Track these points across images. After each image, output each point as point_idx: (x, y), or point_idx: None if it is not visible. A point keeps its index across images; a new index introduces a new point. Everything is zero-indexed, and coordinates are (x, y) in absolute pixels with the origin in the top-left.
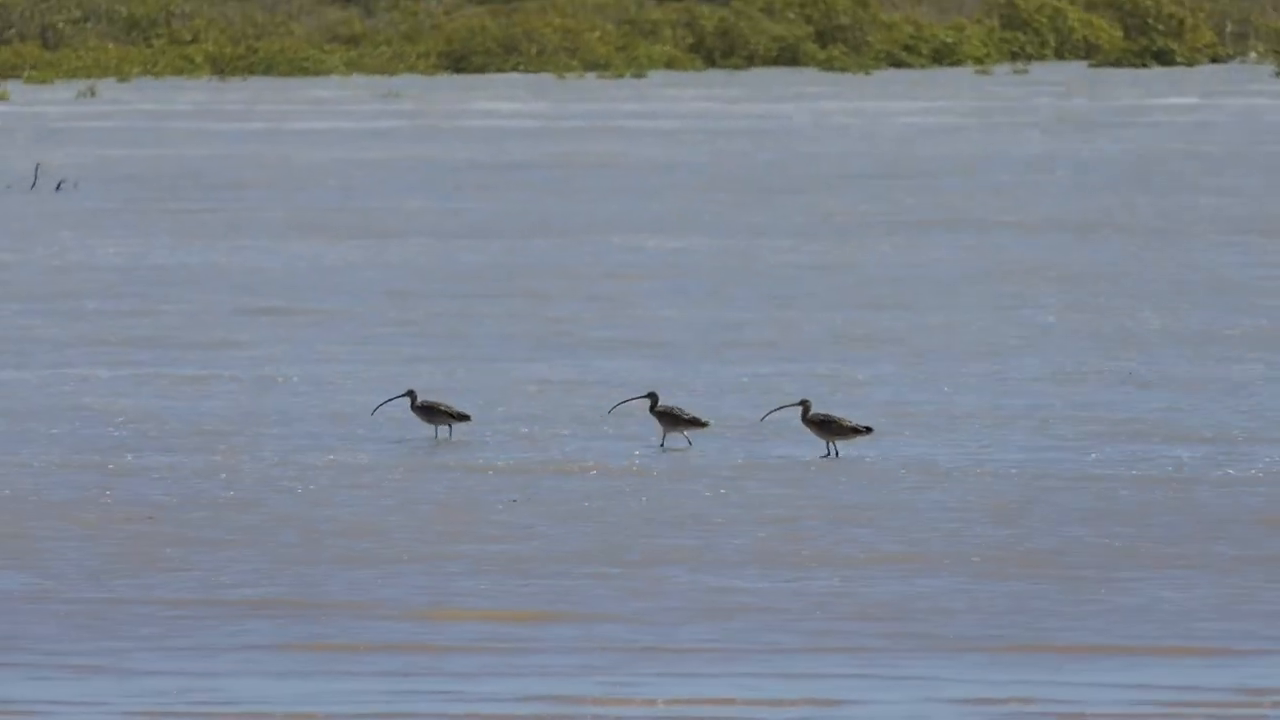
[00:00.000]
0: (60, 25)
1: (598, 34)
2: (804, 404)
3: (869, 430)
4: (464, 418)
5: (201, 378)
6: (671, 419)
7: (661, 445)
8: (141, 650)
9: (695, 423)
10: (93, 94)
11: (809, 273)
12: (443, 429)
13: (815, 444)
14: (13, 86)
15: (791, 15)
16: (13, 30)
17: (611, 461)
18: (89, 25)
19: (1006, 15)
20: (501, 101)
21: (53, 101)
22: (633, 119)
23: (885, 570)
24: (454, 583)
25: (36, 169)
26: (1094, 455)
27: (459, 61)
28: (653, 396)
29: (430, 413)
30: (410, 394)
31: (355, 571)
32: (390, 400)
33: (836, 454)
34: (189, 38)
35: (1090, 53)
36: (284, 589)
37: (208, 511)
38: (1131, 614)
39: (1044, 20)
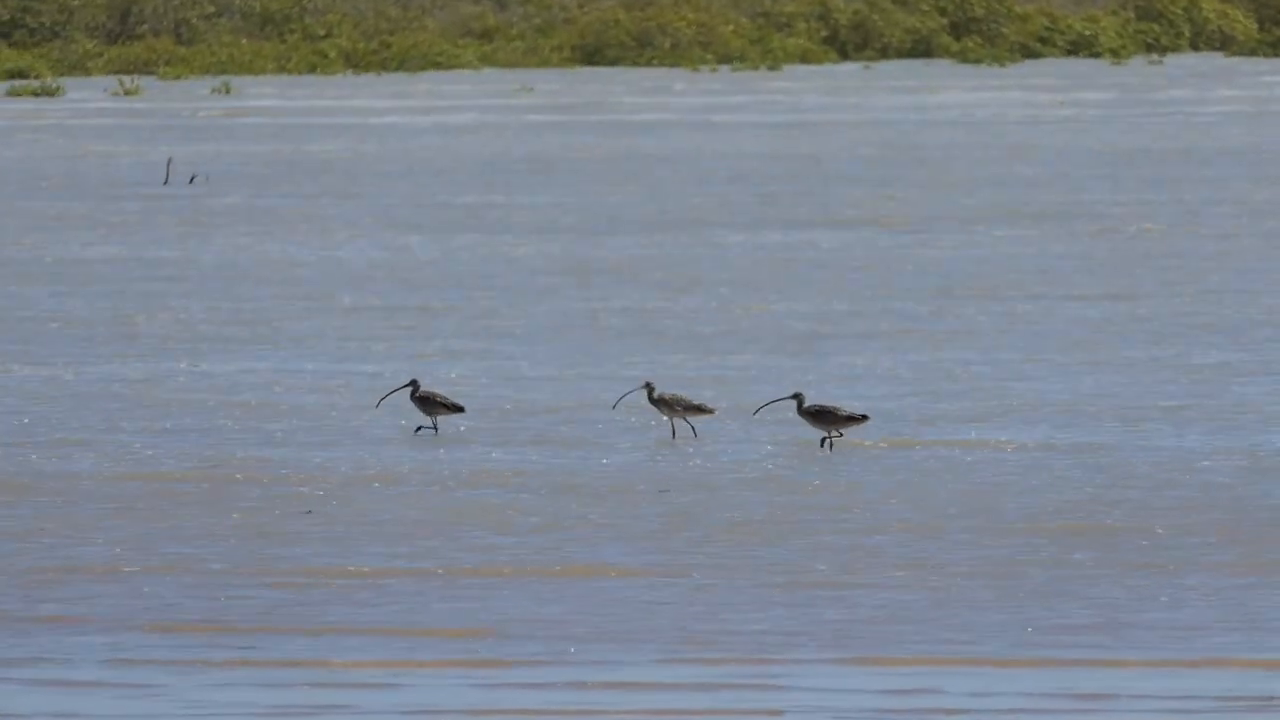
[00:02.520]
0: (194, 21)
1: (731, 27)
2: (798, 396)
3: (865, 418)
4: (458, 409)
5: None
6: (429, 403)
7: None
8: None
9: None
10: (227, 90)
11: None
12: (436, 419)
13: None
14: (146, 82)
15: (925, 7)
16: (146, 26)
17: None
18: (222, 20)
19: (1141, 6)
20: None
21: (187, 97)
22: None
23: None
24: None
25: (169, 164)
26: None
27: (592, 55)
28: (413, 384)
29: (427, 403)
30: (413, 384)
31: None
32: (394, 391)
33: (831, 445)
34: (322, 33)
35: (1225, 44)
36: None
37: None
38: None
39: (1179, 11)
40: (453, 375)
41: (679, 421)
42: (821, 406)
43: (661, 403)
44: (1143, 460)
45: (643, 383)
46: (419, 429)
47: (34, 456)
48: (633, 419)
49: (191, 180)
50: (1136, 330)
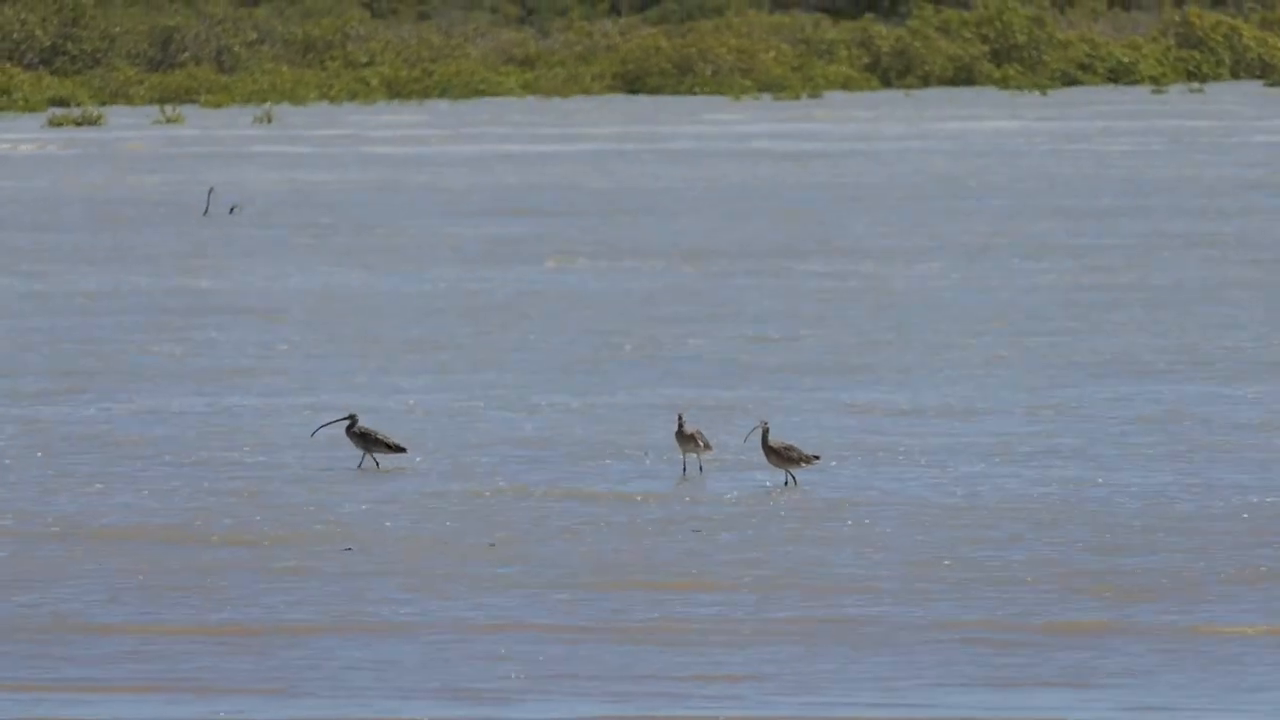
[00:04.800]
0: (235, 48)
1: (773, 54)
2: (765, 428)
3: (817, 458)
4: (399, 449)
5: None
6: (368, 440)
7: (359, 465)
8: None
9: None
10: (269, 119)
11: None
12: (371, 459)
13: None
14: (188, 111)
15: (967, 34)
16: (187, 53)
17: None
18: (264, 48)
19: (1182, 33)
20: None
21: (229, 125)
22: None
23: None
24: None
25: (209, 194)
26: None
27: (633, 83)
28: (352, 418)
29: (365, 440)
30: (351, 418)
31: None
32: (331, 423)
33: (795, 480)
34: (364, 60)
35: (1265, 72)
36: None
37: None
38: None
39: (1219, 39)
40: (477, 402)
41: (690, 458)
42: (785, 444)
43: (689, 439)
44: (1135, 501)
45: (677, 415)
46: (360, 465)
47: (52, 497)
48: (627, 462)
49: (231, 211)
50: (1145, 363)
